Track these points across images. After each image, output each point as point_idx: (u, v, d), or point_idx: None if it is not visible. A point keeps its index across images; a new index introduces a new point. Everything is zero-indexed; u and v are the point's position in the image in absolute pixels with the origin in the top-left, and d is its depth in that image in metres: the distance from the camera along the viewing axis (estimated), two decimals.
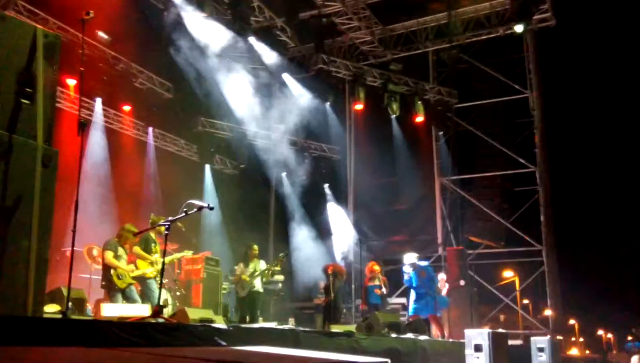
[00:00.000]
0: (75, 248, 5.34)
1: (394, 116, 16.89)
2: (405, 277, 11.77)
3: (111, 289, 8.55)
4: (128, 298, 8.60)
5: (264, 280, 11.70)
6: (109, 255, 8.60)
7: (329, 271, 12.09)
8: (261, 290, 11.39)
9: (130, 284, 8.70)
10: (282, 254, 11.98)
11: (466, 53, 17.71)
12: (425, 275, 11.74)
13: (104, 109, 14.12)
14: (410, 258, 11.84)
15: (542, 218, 16.86)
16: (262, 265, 11.43)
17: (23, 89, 4.22)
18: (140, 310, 7.09)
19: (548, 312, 17.23)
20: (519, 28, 15.54)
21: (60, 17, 11.61)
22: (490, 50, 17.66)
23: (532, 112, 17.39)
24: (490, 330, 9.58)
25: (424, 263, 12.27)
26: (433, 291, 11.82)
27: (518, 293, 18.66)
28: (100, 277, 9.27)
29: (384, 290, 12.30)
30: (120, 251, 8.75)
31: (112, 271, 8.53)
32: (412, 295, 11.69)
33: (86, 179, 11.60)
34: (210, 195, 16.60)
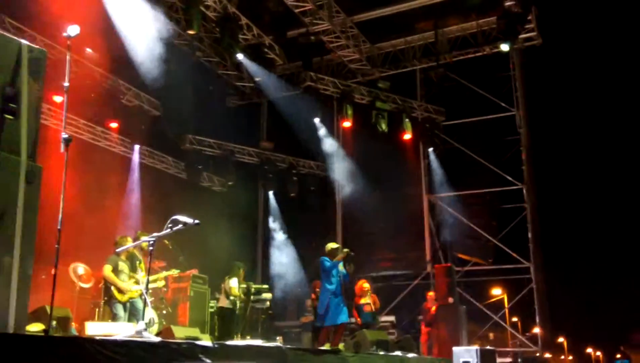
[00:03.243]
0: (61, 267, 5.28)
1: (382, 133, 16.90)
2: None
3: (112, 304, 8.67)
4: (129, 312, 8.73)
5: (252, 298, 11.74)
6: (108, 269, 8.72)
7: (316, 289, 12.03)
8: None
9: (132, 297, 8.79)
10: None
11: (453, 71, 17.84)
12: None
13: (90, 126, 14.06)
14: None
15: (529, 235, 16.94)
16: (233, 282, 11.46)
17: (7, 104, 4.19)
18: (124, 328, 7.01)
19: (537, 330, 17.22)
20: (504, 47, 15.65)
21: (47, 34, 11.59)
22: (477, 68, 17.82)
23: (518, 130, 17.55)
24: (478, 348, 9.55)
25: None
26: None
27: (507, 311, 18.64)
28: (86, 296, 9.33)
29: (374, 307, 12.29)
30: (121, 265, 8.84)
31: (112, 286, 8.65)
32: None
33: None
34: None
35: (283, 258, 17.94)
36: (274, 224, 18.79)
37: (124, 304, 8.71)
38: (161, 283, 9.93)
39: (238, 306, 11.44)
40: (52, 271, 5.49)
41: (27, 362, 3.48)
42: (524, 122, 17.53)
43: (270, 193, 18.96)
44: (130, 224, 12.13)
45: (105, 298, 8.84)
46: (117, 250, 8.70)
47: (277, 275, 17.51)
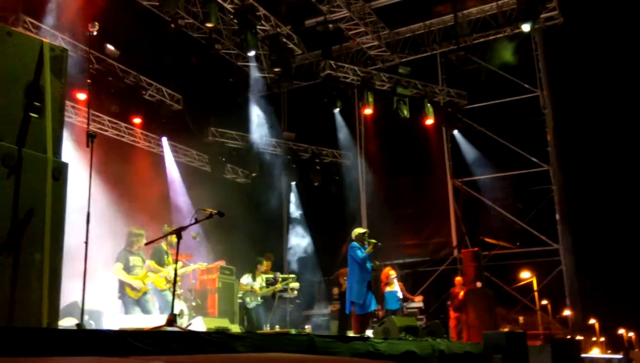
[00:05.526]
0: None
1: (404, 119, 16.78)
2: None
3: (125, 301, 8.56)
4: (144, 309, 8.59)
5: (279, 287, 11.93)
6: (118, 267, 8.52)
7: (340, 278, 12.08)
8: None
9: (145, 294, 8.68)
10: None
11: (474, 54, 17.62)
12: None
13: (114, 122, 14.20)
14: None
15: (557, 216, 16.73)
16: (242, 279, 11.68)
17: (31, 102, 4.25)
18: (154, 320, 7.10)
19: (567, 312, 17.05)
20: (526, 27, 15.46)
21: (68, 32, 11.69)
22: (499, 50, 17.57)
23: (543, 111, 17.30)
24: (508, 331, 9.49)
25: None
26: None
27: (536, 294, 18.47)
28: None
29: (401, 294, 12.35)
30: (133, 260, 8.66)
31: (125, 283, 8.56)
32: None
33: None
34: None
35: (309, 247, 18.03)
36: (297, 213, 18.85)
37: (137, 301, 8.53)
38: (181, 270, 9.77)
39: (249, 302, 11.60)
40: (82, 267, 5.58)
41: (61, 355, 3.53)
42: (548, 102, 17.26)
43: (293, 184, 18.91)
44: (158, 218, 12.20)
45: (119, 294, 8.65)
46: (145, 244, 8.69)
47: (304, 264, 17.60)
